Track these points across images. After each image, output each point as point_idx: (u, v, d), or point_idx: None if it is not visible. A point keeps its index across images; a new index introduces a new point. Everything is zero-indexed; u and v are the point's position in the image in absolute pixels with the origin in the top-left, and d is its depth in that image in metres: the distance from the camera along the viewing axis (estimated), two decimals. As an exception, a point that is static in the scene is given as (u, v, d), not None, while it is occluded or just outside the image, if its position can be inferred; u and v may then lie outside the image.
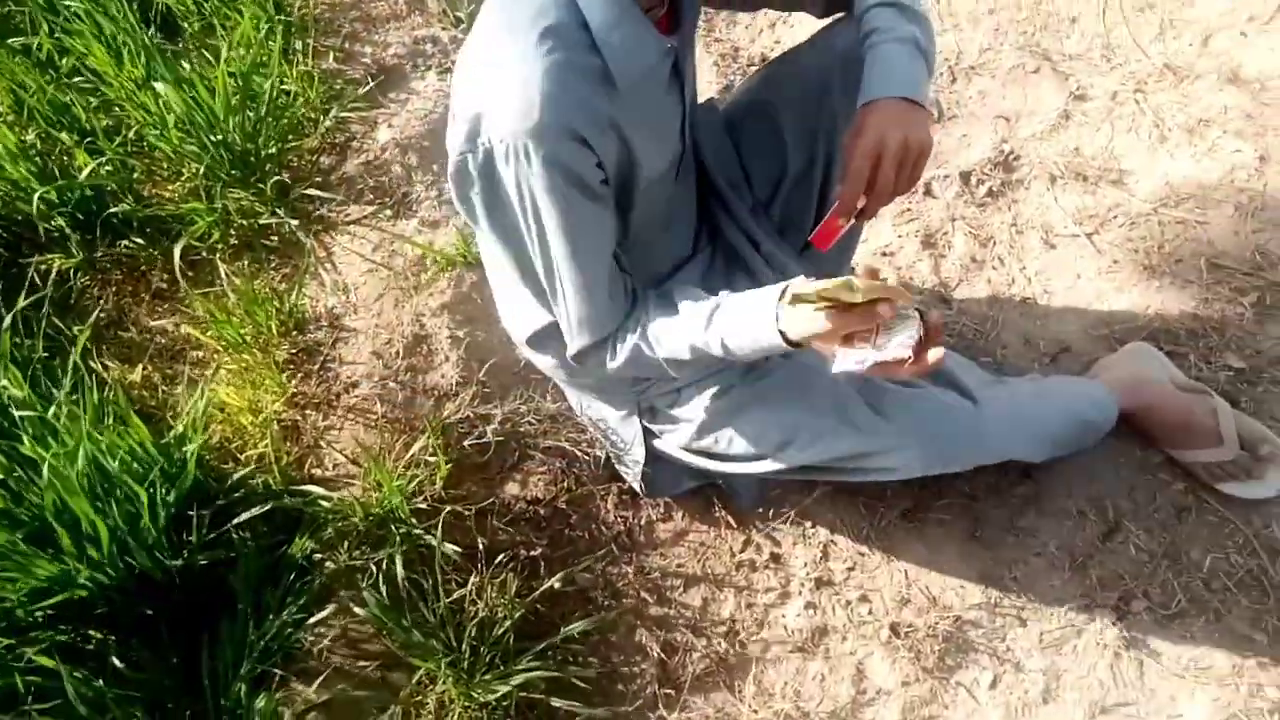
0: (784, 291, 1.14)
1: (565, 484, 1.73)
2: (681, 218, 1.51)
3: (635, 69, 1.13)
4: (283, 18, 2.21)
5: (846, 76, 1.32)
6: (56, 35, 2.18)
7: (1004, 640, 1.54)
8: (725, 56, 2.28)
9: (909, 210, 1.97)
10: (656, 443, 1.55)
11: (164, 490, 1.60)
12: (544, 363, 1.53)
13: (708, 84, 2.23)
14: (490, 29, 1.12)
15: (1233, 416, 1.59)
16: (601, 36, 1.09)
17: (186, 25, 2.27)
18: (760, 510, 1.69)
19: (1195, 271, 1.81)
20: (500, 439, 1.74)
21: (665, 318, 1.25)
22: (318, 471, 1.75)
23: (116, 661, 1.49)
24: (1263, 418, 1.63)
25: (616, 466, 1.68)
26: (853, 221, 1.22)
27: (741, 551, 1.67)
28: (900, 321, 1.07)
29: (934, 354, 1.06)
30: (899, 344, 1.06)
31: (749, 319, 1.17)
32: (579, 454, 1.74)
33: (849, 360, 1.08)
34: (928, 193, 1.99)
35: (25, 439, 1.57)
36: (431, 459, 1.70)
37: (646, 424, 1.54)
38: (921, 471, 1.42)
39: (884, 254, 1.93)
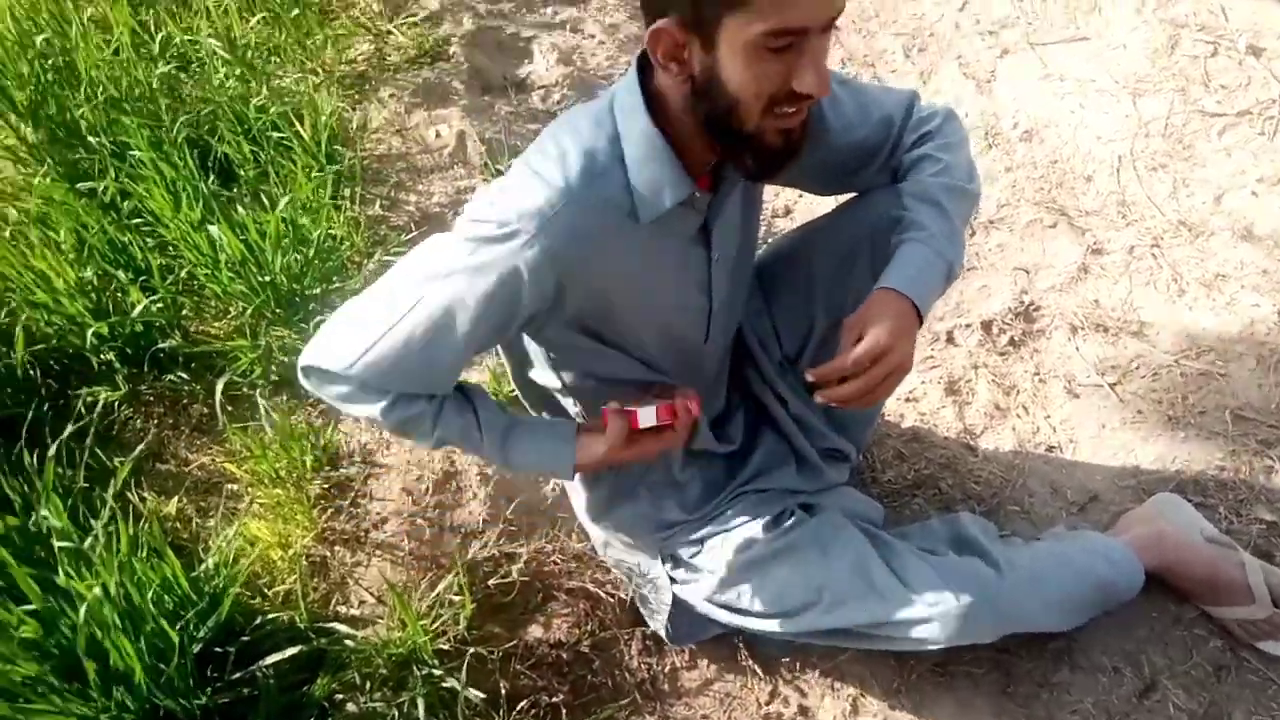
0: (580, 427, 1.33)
1: (589, 627, 1.71)
2: (711, 372, 1.54)
3: (658, 205, 1.18)
4: (334, 167, 2.34)
5: (874, 248, 1.38)
6: (121, 180, 2.31)
7: (1040, 803, 1.49)
8: (752, 207, 2.37)
9: (932, 357, 2.01)
10: (678, 590, 1.55)
11: (194, 627, 1.61)
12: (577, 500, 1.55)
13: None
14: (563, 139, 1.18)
15: (1262, 571, 1.56)
16: (633, 172, 1.16)
17: (242, 172, 2.40)
18: (788, 659, 1.67)
19: (1220, 423, 1.82)
20: (525, 579, 1.74)
21: (458, 416, 1.31)
22: (343, 609, 1.76)
23: (131, 803, 1.47)
24: (1297, 574, 1.61)
25: (641, 610, 1.68)
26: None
27: (769, 703, 1.64)
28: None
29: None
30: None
31: (543, 448, 1.33)
32: (603, 595, 1.74)
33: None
34: (950, 340, 2.03)
35: (60, 570, 1.59)
36: (456, 598, 1.70)
37: (669, 572, 1.55)
38: (945, 644, 1.38)
39: (908, 399, 1.96)
